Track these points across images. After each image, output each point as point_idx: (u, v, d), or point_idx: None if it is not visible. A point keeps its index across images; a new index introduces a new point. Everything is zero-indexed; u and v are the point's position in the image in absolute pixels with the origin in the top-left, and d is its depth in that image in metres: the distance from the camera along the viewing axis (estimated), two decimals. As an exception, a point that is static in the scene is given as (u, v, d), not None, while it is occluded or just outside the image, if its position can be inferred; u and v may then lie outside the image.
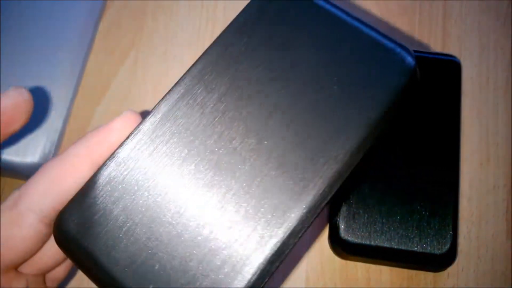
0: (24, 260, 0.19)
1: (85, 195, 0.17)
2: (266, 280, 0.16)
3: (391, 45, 0.19)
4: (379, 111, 0.17)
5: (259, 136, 0.17)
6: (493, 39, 0.36)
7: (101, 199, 0.17)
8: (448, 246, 0.29)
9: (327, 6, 0.19)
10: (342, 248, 0.29)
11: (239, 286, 0.16)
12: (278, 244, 0.16)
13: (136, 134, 0.17)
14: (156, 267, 0.16)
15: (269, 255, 0.16)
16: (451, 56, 0.33)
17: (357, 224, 0.29)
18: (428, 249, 0.29)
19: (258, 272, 0.16)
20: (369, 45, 0.18)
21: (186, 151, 0.17)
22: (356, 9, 0.37)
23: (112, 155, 0.17)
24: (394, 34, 0.36)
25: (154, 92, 0.34)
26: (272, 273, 0.16)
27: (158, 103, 0.18)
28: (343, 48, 0.18)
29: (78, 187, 0.17)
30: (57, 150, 0.32)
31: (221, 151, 0.17)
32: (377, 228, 0.29)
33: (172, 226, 0.16)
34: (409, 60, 0.18)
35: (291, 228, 0.17)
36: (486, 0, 0.37)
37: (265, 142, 0.17)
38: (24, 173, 0.31)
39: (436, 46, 0.36)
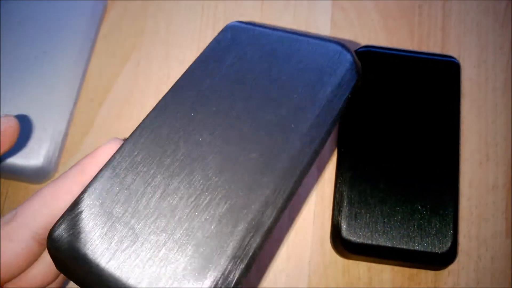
0: (14, 276, 0.19)
1: (73, 210, 0.18)
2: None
3: (328, 43, 0.22)
4: (334, 98, 0.21)
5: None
6: (492, 39, 0.37)
7: (86, 213, 0.18)
8: (449, 244, 0.29)
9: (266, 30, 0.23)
10: (344, 247, 0.30)
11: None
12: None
13: (115, 156, 0.19)
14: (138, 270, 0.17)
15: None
16: (450, 57, 0.34)
17: (359, 223, 0.29)
18: (429, 248, 0.29)
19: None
20: (310, 48, 0.22)
21: (149, 178, 0.19)
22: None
23: (95, 177, 0.19)
24: (393, 36, 0.36)
25: (156, 94, 0.34)
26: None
27: (129, 137, 0.20)
28: (291, 58, 0.22)
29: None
30: (60, 153, 0.32)
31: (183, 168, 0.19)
32: (379, 228, 0.29)
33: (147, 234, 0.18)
34: (345, 52, 0.22)
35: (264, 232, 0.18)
36: (485, 1, 0.37)
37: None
38: (28, 176, 0.31)
39: (436, 47, 0.36)
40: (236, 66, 0.22)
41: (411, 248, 0.29)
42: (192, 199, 0.18)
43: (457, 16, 0.37)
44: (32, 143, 0.30)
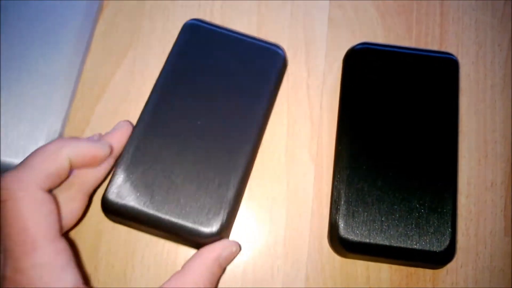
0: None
1: (119, 178, 0.28)
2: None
3: (269, 46, 0.33)
4: (273, 86, 0.32)
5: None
6: (490, 36, 0.36)
7: (129, 177, 0.28)
8: (447, 243, 0.29)
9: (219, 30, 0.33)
10: (342, 246, 0.29)
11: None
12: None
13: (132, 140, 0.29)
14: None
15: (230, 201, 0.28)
16: (449, 53, 0.33)
17: (356, 222, 0.29)
18: (427, 247, 0.29)
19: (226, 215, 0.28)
20: (255, 49, 0.32)
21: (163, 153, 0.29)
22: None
23: (123, 155, 0.29)
24: (391, 32, 0.36)
25: (152, 92, 0.34)
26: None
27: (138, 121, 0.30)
28: (241, 57, 0.32)
29: (105, 173, 0.28)
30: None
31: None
32: (376, 226, 0.29)
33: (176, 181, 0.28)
34: (281, 52, 0.33)
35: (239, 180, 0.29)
36: (483, -2, 0.37)
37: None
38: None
39: (434, 44, 0.36)
40: (202, 63, 0.31)
41: (409, 246, 0.29)
42: (195, 166, 0.29)
43: (455, 12, 0.37)
44: (27, 142, 0.30)
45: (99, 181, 0.28)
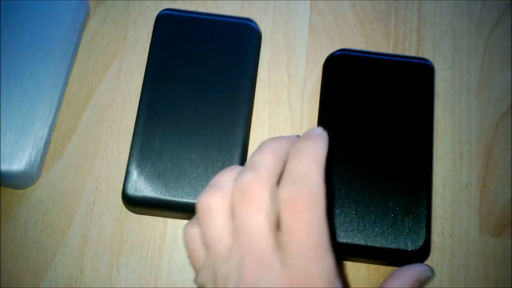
0: None
1: (133, 174, 0.31)
2: None
3: (241, 21, 0.35)
4: (253, 59, 0.35)
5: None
6: (466, 41, 0.37)
7: (142, 171, 0.31)
8: (421, 242, 0.30)
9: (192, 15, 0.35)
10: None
11: None
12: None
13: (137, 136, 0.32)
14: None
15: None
16: (425, 59, 0.34)
17: (335, 222, 0.30)
18: (403, 246, 0.30)
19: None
20: (229, 27, 0.35)
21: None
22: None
23: (131, 153, 0.32)
24: (370, 38, 0.37)
25: (137, 98, 0.35)
26: None
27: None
28: (220, 37, 0.34)
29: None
30: (43, 158, 0.33)
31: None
32: (353, 227, 0.30)
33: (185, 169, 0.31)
34: (255, 26, 0.35)
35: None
36: (460, 1, 0.38)
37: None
38: (11, 181, 0.32)
39: (411, 49, 0.37)
40: (183, 51, 0.34)
41: (385, 246, 0.30)
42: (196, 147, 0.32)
43: (432, 18, 0.38)
44: (14, 149, 0.31)
45: None
